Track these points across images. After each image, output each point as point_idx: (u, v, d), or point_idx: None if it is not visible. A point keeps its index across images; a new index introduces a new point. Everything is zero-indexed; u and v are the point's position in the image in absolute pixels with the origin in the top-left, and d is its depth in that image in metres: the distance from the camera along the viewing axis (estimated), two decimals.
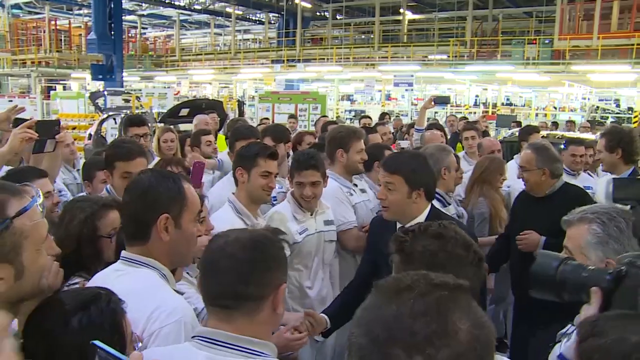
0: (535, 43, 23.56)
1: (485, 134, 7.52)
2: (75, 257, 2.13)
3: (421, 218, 2.69)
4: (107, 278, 1.77)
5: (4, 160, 2.79)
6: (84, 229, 2.25)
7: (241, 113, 18.05)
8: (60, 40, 34.09)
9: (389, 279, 0.96)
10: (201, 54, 38.76)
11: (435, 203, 3.43)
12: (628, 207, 1.87)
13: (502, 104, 30.62)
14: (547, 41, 23.22)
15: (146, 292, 1.68)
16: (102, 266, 1.99)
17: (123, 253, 1.83)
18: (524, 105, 34.39)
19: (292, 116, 13.05)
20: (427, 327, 0.84)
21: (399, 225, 2.71)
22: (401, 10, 31.31)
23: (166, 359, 1.39)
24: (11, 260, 1.37)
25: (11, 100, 18.07)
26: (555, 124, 15.98)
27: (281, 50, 31.96)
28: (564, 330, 1.75)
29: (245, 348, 1.40)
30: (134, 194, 1.83)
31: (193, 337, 1.46)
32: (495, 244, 3.87)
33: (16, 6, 35.95)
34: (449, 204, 3.63)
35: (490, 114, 25.83)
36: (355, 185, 3.82)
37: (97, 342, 1.07)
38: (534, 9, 28.76)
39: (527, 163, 3.53)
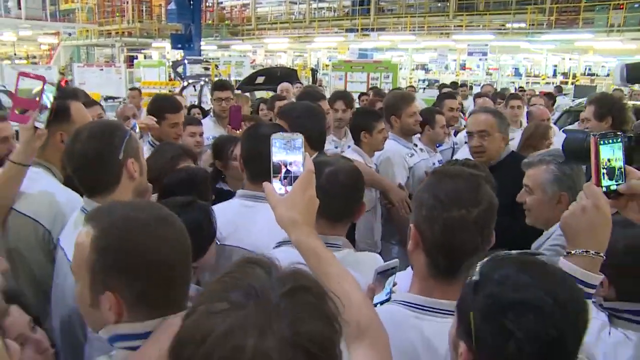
0: (623, 8, 22.57)
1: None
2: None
3: None
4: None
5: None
6: (168, 167, 2.66)
7: (315, 81, 18.54)
8: (142, 10, 35.34)
9: (443, 168, 1.70)
10: (276, 23, 39.18)
11: None
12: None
13: (582, 74, 29.60)
14: (636, 5, 22.19)
15: None
16: None
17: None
18: (607, 75, 32.99)
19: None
20: (470, 195, 1.45)
21: None
22: None
23: None
24: (137, 157, 1.95)
25: (102, 69, 19.38)
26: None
27: (355, 19, 32.01)
28: None
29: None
30: None
31: None
32: None
33: None
34: None
35: (569, 84, 25.11)
36: (416, 145, 4.18)
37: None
38: None
39: (489, 127, 3.23)
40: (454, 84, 11.18)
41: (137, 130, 2.44)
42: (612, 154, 1.48)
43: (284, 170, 1.34)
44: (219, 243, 2.12)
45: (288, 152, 1.33)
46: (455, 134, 4.96)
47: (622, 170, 1.47)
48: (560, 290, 1.04)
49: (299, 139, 1.34)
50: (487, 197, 1.47)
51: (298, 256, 1.29)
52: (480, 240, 1.43)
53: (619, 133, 1.51)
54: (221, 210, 2.17)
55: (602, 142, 1.46)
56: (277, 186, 1.34)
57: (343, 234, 1.93)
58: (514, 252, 1.16)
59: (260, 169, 2.17)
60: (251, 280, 0.85)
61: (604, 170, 1.46)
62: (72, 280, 1.72)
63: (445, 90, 8.34)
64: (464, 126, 5.63)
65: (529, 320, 1.00)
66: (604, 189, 1.43)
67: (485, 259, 1.13)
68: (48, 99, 2.12)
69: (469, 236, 1.42)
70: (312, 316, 0.83)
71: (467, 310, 1.07)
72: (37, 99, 2.10)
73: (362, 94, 9.41)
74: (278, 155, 1.33)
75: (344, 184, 1.85)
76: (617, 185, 1.45)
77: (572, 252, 1.36)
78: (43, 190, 2.23)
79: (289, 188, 1.33)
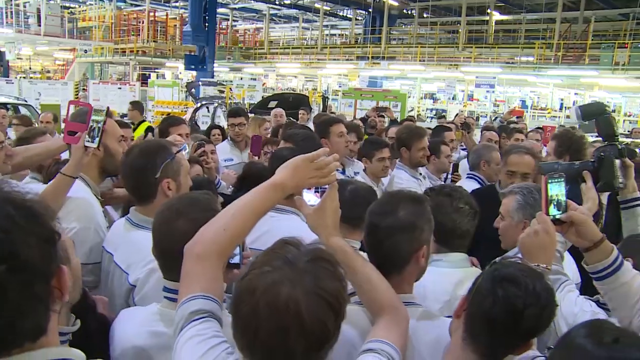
0: (627, 47, 23.02)
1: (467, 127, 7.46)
2: None
3: None
4: None
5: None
6: None
7: (325, 107, 18.95)
8: (157, 30, 35.73)
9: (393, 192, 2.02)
10: (289, 48, 39.90)
11: (474, 183, 4.15)
12: None
13: None
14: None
15: None
16: None
17: None
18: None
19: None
20: (388, 209, 1.79)
21: None
22: (488, 11, 31.17)
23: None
24: (175, 178, 2.26)
25: (120, 88, 19.83)
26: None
27: (366, 47, 32.54)
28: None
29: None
30: None
31: None
32: None
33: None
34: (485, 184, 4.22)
35: None
36: (420, 174, 4.48)
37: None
38: (632, 10, 27.33)
39: (531, 170, 3.58)
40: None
41: (187, 151, 2.80)
42: (559, 190, 1.87)
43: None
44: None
45: None
46: (454, 167, 5.25)
47: (565, 203, 1.85)
48: (539, 284, 1.50)
49: None
50: (404, 212, 1.76)
51: None
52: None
53: (562, 174, 1.90)
54: None
55: (550, 181, 1.85)
56: (311, 197, 1.73)
57: (360, 239, 2.29)
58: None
59: None
60: (286, 253, 1.23)
61: (555, 203, 1.84)
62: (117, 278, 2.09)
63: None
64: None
65: (509, 288, 1.47)
66: (552, 217, 1.84)
67: (500, 258, 1.63)
68: (97, 122, 2.44)
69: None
70: (328, 276, 1.21)
71: (478, 279, 1.56)
72: (85, 122, 2.40)
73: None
74: None
75: (363, 196, 2.29)
76: (560, 214, 1.82)
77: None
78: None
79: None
